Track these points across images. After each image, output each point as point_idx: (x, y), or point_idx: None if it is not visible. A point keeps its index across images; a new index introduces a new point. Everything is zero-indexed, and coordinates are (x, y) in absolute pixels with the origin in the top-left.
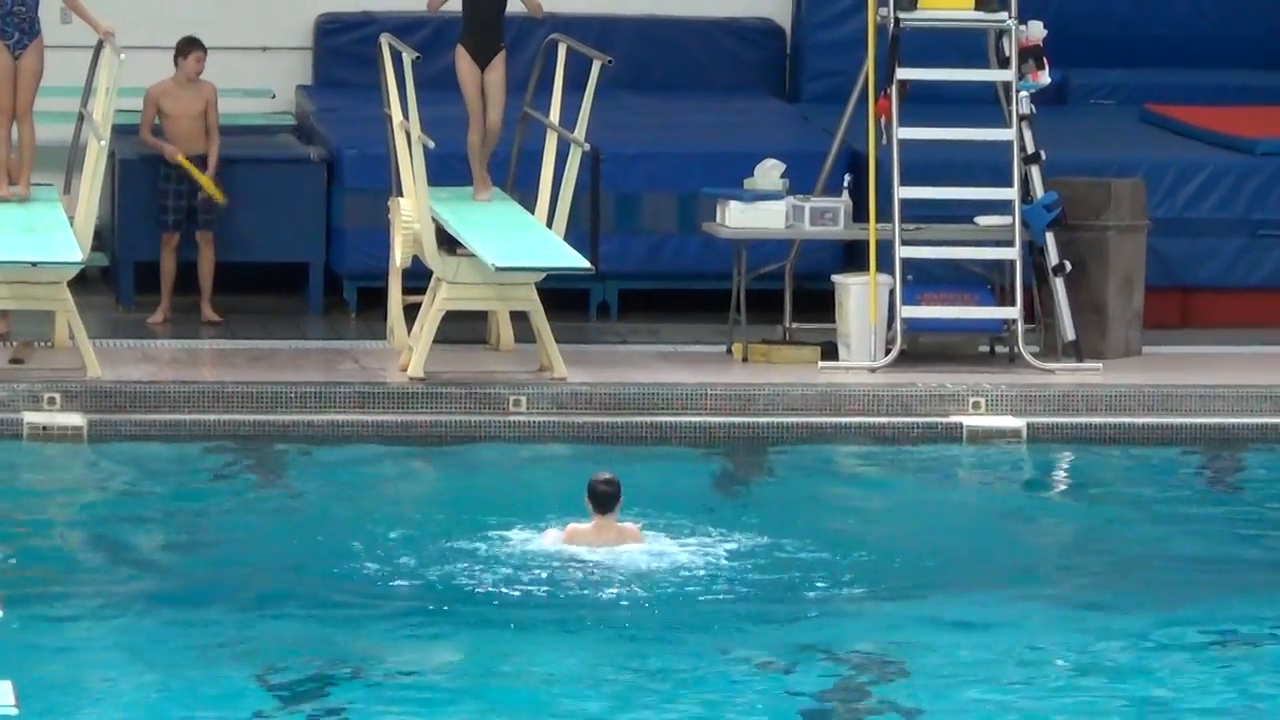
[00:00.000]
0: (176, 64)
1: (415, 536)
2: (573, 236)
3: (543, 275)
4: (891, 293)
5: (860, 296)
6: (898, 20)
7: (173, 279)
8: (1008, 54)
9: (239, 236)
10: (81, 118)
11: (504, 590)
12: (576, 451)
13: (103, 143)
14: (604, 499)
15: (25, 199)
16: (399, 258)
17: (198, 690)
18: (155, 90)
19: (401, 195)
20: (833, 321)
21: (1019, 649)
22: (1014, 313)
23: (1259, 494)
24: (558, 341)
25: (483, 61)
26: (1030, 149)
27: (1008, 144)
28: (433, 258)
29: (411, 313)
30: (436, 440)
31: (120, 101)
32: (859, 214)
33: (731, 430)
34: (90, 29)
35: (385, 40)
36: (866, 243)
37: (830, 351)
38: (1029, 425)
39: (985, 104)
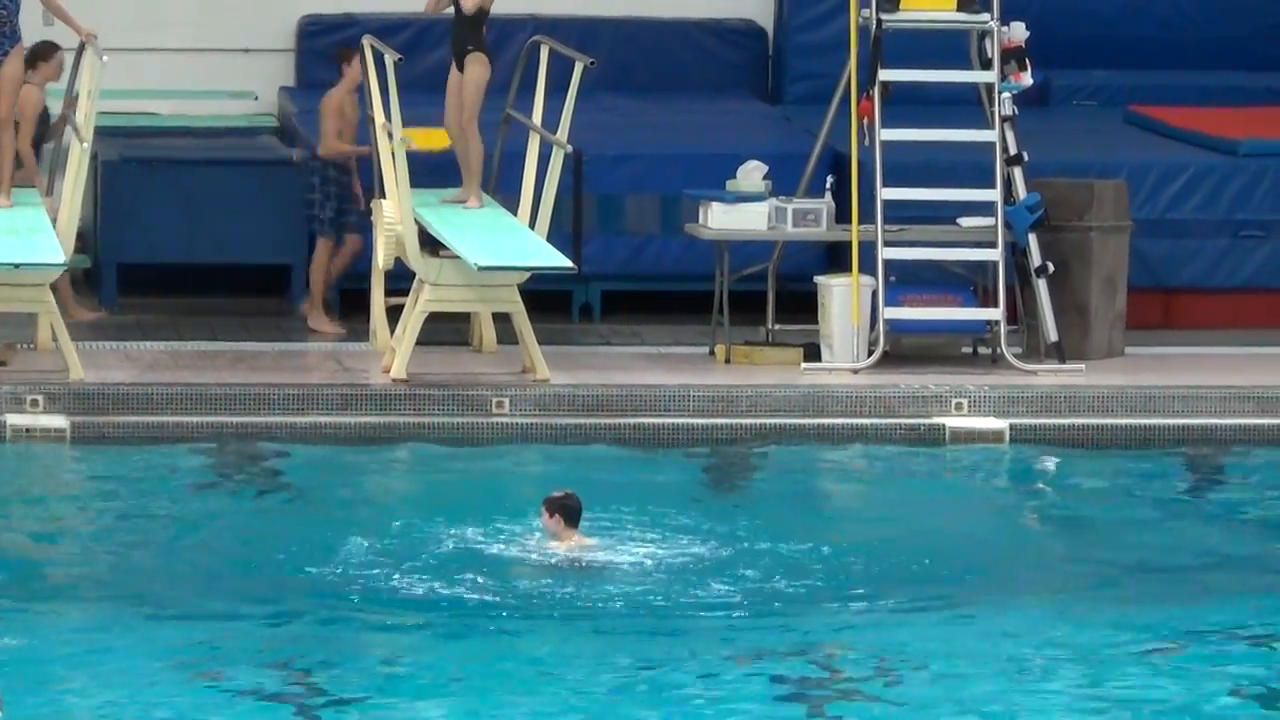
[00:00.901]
0: (342, 71)
1: (398, 538)
2: (555, 238)
3: (526, 275)
4: (874, 294)
5: (843, 298)
6: (880, 21)
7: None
8: (990, 55)
9: (221, 238)
10: (64, 120)
11: (489, 591)
12: (559, 453)
13: (85, 145)
14: (576, 513)
15: (6, 207)
16: (381, 259)
17: (182, 693)
18: (335, 101)
19: (384, 197)
20: (815, 323)
21: (1001, 649)
22: (997, 314)
23: (1241, 495)
24: (540, 343)
25: (459, 66)
26: (1013, 150)
27: (990, 145)
28: (415, 259)
29: (394, 314)
30: (419, 442)
31: (102, 104)
32: (841, 215)
33: (714, 431)
34: (72, 31)
35: (367, 42)
36: (849, 244)
37: (813, 353)
38: (1012, 426)
39: (968, 105)
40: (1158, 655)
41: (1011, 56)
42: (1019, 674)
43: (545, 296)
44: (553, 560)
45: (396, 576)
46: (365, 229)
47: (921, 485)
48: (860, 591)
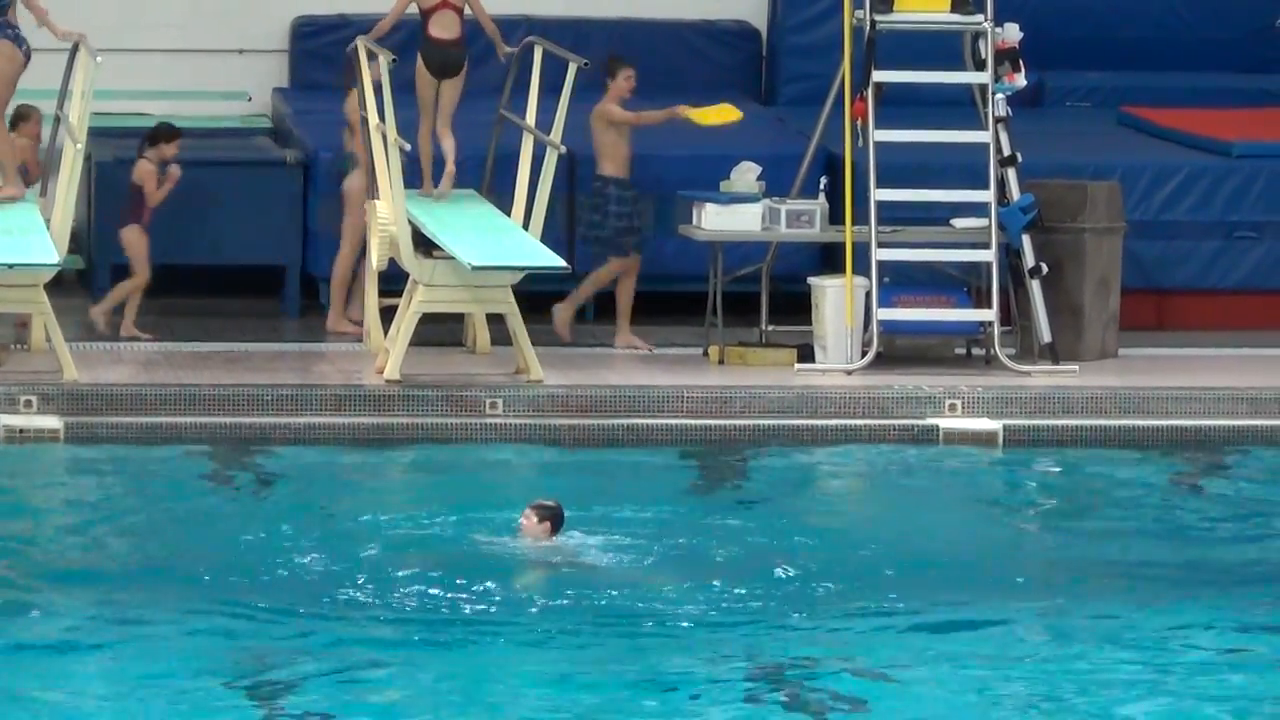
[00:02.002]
0: (605, 86)
1: (391, 539)
2: (549, 239)
3: (519, 275)
4: (868, 295)
5: (837, 299)
6: (874, 22)
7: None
8: (984, 56)
9: (215, 239)
10: (57, 120)
11: (481, 594)
12: (553, 454)
13: (78, 146)
14: (562, 520)
15: (17, 199)
16: (375, 260)
17: (172, 695)
18: (611, 111)
19: (378, 198)
20: (809, 324)
21: (995, 651)
22: (990, 315)
23: (1234, 496)
24: (534, 344)
25: None
26: (1006, 151)
27: (984, 146)
28: (409, 260)
29: (388, 315)
30: (413, 443)
31: (96, 104)
32: (835, 216)
33: (708, 432)
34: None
35: (362, 43)
36: (843, 245)
37: (807, 354)
38: (1005, 427)
39: (961, 106)
40: (1149, 656)
41: (1005, 57)
42: (1011, 676)
43: (539, 297)
44: (545, 562)
45: (390, 578)
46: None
47: (915, 486)
48: (853, 594)
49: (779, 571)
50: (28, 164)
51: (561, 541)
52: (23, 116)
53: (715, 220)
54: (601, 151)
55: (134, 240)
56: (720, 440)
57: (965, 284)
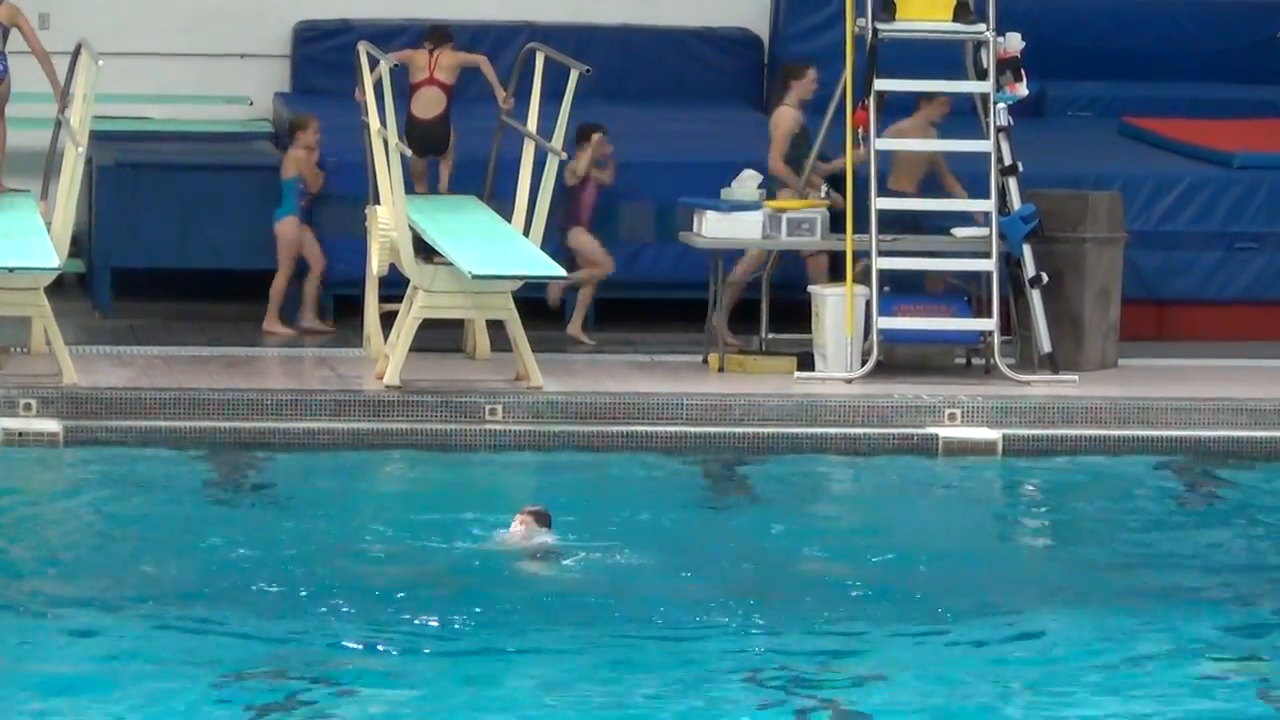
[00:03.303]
0: (917, 107)
1: (391, 544)
2: (549, 245)
3: (519, 283)
4: (868, 303)
5: (837, 307)
6: (876, 31)
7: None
8: (986, 66)
9: (215, 244)
10: (59, 124)
11: (478, 600)
12: (552, 460)
13: (80, 149)
14: (550, 522)
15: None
16: (376, 265)
17: (168, 698)
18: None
19: (379, 203)
20: (809, 332)
21: (993, 660)
22: (990, 324)
23: (1234, 507)
24: (534, 350)
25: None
26: (1007, 161)
27: (985, 155)
28: (410, 266)
29: (388, 321)
30: (412, 448)
31: (97, 108)
32: (836, 224)
33: (707, 440)
34: (75, 39)
35: (363, 48)
36: (843, 253)
37: (806, 362)
38: (1005, 437)
39: (963, 115)
40: (1148, 666)
41: (1007, 67)
42: (1007, 685)
43: (539, 303)
44: (542, 569)
45: (389, 584)
46: None
47: (914, 495)
48: (850, 602)
49: (778, 579)
50: (304, 175)
51: (557, 547)
52: (300, 125)
53: (716, 228)
54: (899, 168)
55: (585, 242)
56: (719, 448)
57: (965, 293)
